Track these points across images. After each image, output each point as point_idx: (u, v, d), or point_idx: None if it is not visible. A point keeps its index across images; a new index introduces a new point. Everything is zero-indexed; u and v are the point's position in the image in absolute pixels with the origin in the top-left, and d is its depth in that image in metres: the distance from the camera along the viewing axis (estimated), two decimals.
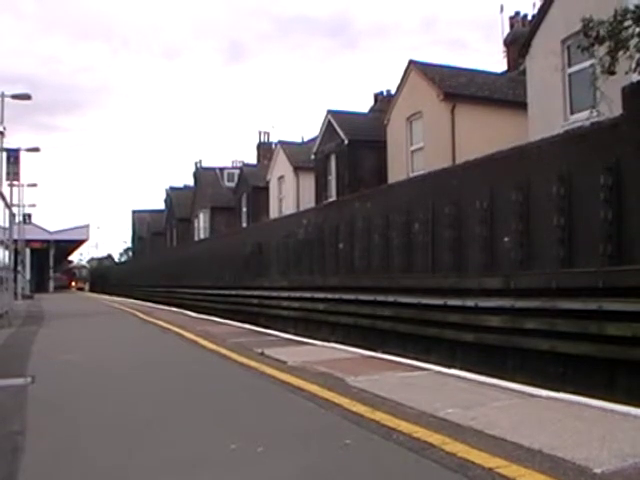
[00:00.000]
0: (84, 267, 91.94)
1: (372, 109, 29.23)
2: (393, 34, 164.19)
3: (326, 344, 8.70)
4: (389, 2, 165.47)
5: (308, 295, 16.09)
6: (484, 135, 16.56)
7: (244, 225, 32.33)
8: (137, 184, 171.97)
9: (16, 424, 4.26)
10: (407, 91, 20.32)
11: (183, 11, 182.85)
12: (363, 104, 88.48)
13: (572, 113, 13.51)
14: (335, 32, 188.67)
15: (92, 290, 65.32)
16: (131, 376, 6.59)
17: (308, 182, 26.37)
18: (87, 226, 56.89)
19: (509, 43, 24.08)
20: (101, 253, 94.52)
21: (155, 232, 51.33)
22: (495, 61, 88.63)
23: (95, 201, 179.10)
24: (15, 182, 34.28)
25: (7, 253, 18.40)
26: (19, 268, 32.90)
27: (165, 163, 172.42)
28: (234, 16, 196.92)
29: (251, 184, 32.75)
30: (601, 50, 9.24)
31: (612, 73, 9.00)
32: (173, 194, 47.20)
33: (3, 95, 27.09)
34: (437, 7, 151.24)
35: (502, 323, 9.07)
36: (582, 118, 11.34)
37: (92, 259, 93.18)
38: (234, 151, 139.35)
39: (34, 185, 41.20)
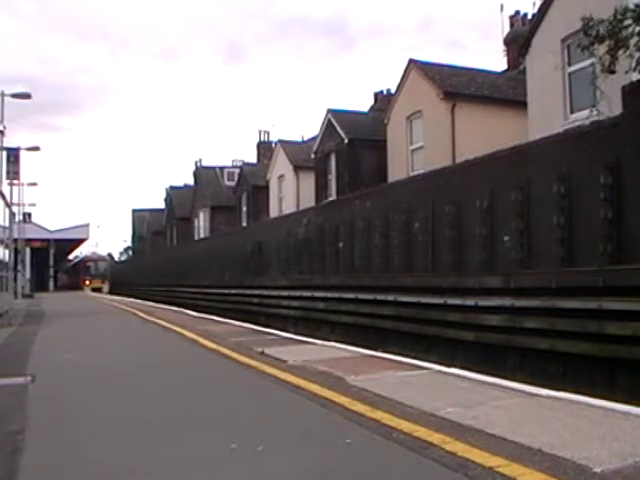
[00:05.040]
0: (102, 260, 68.17)
1: (372, 108, 29.21)
2: (391, 34, 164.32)
3: (326, 343, 8.69)
4: (386, 3, 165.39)
5: (308, 294, 16.09)
6: (484, 134, 16.56)
7: (244, 224, 32.32)
8: (137, 183, 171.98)
9: (16, 423, 4.26)
10: (407, 90, 20.32)
11: (181, 12, 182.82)
12: (363, 103, 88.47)
13: (572, 112, 13.51)
14: (333, 33, 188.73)
15: (113, 291, 50.71)
16: (131, 375, 6.59)
17: (308, 181, 26.36)
18: (87, 225, 56.94)
19: (509, 42, 24.07)
20: (101, 252, 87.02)
21: (155, 231, 51.35)
22: (493, 61, 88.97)
23: (95, 200, 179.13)
24: (15, 181, 34.30)
25: (7, 252, 18.41)
26: (19, 267, 32.90)
27: (165, 162, 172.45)
28: (232, 17, 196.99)
29: (251, 183, 32.75)
30: (601, 49, 9.24)
31: (612, 72, 9.00)
32: (173, 193, 47.20)
33: (3, 94, 27.07)
34: (434, 7, 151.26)
35: (502, 322, 9.07)
36: (582, 117, 11.34)
37: None
38: (234, 150, 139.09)
39: (34, 184, 41.16)
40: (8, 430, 4.08)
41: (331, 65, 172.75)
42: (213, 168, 41.23)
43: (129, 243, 69.69)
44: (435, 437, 3.53)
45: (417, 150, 19.75)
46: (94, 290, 54.93)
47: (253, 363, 6.69)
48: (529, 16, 22.85)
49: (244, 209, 33.74)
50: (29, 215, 45.88)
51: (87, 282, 60.82)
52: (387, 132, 21.28)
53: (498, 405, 4.35)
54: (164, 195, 50.01)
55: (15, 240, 27.44)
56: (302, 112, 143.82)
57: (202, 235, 38.17)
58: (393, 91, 22.95)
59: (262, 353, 7.40)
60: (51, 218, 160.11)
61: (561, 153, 9.81)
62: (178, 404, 4.96)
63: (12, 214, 24.15)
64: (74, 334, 11.91)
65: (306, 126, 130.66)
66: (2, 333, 11.51)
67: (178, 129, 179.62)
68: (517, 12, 24.91)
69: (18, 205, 37.67)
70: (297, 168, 27.81)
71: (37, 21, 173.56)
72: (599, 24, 9.00)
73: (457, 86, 19.18)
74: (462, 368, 6.27)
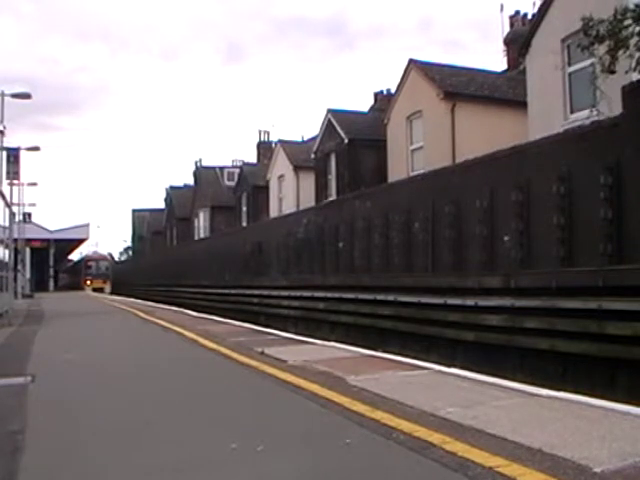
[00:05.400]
0: (104, 259, 65.16)
1: (372, 108, 29.23)
2: (390, 35, 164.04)
3: (326, 343, 8.69)
4: (386, 3, 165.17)
5: (308, 294, 16.09)
6: (484, 134, 16.56)
7: (244, 224, 32.32)
8: (137, 183, 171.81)
9: (16, 423, 4.26)
10: (407, 90, 20.32)
11: (181, 12, 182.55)
12: (363, 103, 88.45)
13: (572, 112, 13.51)
14: (333, 33, 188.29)
15: (115, 292, 48.87)
16: (131, 375, 6.59)
17: (308, 181, 26.37)
18: (87, 225, 56.85)
19: (509, 42, 24.08)
20: (101, 252, 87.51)
21: (155, 231, 51.36)
22: (492, 61, 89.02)
23: (95, 200, 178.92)
24: (15, 181, 34.29)
25: (7, 252, 18.40)
26: (19, 267, 32.88)
27: (165, 162, 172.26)
28: (232, 17, 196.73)
29: (251, 183, 32.76)
30: (601, 49, 9.24)
31: (612, 72, 9.00)
32: (173, 193, 47.23)
33: (3, 94, 27.07)
34: (434, 8, 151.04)
35: (502, 322, 9.07)
36: (582, 117, 11.34)
37: None
38: (234, 150, 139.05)
39: (34, 184, 41.13)
40: (8, 430, 4.08)
41: (331, 65, 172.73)
42: (213, 168, 41.25)
43: (129, 243, 69.68)
44: (435, 437, 3.53)
45: (417, 150, 19.76)
46: (95, 290, 52.84)
47: (253, 363, 6.69)
48: (529, 16, 22.87)
49: (244, 209, 33.74)
50: (29, 215, 45.87)
51: (88, 282, 58.13)
52: (387, 132, 21.28)
53: (498, 405, 4.35)
54: (164, 195, 50.09)
55: (15, 240, 27.41)
56: (302, 112, 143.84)
57: (202, 235, 38.18)
58: (393, 91, 22.96)
59: (262, 353, 7.40)
60: (51, 218, 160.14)
61: (561, 153, 9.81)
62: (178, 404, 4.96)
63: (12, 214, 24.12)
64: (74, 334, 11.91)
65: (306, 126, 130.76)
66: (2, 333, 11.51)
67: (178, 129, 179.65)
68: (517, 12, 24.94)
69: (18, 205, 37.67)
70: (297, 168, 27.81)
71: (37, 21, 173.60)
72: (599, 24, 9.00)
73: (457, 86, 19.18)
74: (462, 368, 6.26)
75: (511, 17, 25.15)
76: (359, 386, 5.12)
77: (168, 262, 36.65)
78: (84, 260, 64.41)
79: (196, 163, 44.38)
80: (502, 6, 28.48)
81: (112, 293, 49.14)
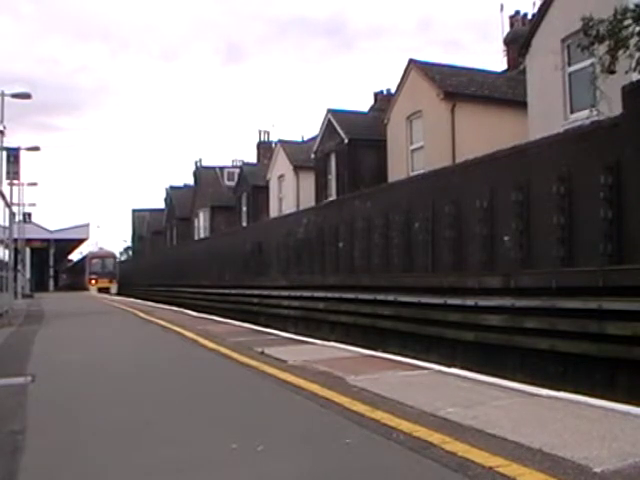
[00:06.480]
0: (109, 256, 57.28)
1: (372, 108, 29.23)
2: (390, 35, 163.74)
3: (326, 343, 8.68)
4: (385, 3, 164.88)
5: (308, 294, 16.10)
6: (484, 134, 16.56)
7: (244, 224, 32.33)
8: (137, 183, 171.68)
9: (16, 423, 4.26)
10: (407, 90, 20.33)
11: (181, 12, 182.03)
12: (363, 103, 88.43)
13: (572, 112, 13.51)
14: (332, 33, 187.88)
15: (121, 292, 45.61)
16: (131, 375, 6.58)
17: (308, 181, 26.38)
18: (87, 225, 56.86)
19: (509, 42, 24.09)
20: (107, 249, 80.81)
21: (155, 231, 51.40)
22: (492, 61, 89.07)
23: (95, 200, 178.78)
24: (15, 181, 34.30)
25: (7, 252, 18.40)
26: (19, 267, 32.88)
27: (165, 162, 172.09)
28: (232, 18, 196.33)
29: (251, 183, 32.77)
30: (601, 49, 9.25)
31: (612, 72, 9.00)
32: (173, 193, 47.27)
33: (3, 94, 27.07)
34: (434, 8, 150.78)
35: (502, 322, 9.08)
36: (582, 117, 11.35)
37: None
38: (234, 150, 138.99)
39: (34, 184, 41.15)
40: (8, 430, 4.08)
41: (331, 65, 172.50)
42: (213, 168, 41.31)
43: (129, 243, 69.72)
44: (435, 437, 3.52)
45: (417, 150, 19.76)
46: (101, 291, 48.20)
47: (253, 363, 6.69)
48: (529, 16, 22.88)
49: (244, 209, 33.76)
50: (29, 215, 45.89)
51: (93, 281, 52.17)
52: (387, 132, 21.29)
53: (498, 405, 4.35)
54: (164, 195, 50.13)
55: (15, 240, 27.39)
56: (302, 112, 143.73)
57: (202, 235, 38.20)
58: (393, 91, 22.97)
59: (262, 353, 7.40)
60: (51, 218, 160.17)
61: (561, 153, 9.82)
62: (178, 404, 4.96)
63: (12, 214, 24.11)
64: (74, 334, 11.91)
65: (306, 126, 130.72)
66: (2, 333, 11.51)
67: (178, 129, 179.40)
68: (517, 12, 24.96)
69: (18, 205, 37.69)
70: (297, 168, 27.83)
71: (37, 21, 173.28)
72: (599, 24, 9.01)
73: (457, 86, 19.19)
74: (462, 368, 6.26)
75: (511, 17, 25.17)
76: (359, 386, 5.12)
77: (168, 262, 36.67)
78: (88, 257, 58.00)
79: (196, 163, 44.46)
80: (502, 6, 28.53)
81: (119, 294, 45.64)
